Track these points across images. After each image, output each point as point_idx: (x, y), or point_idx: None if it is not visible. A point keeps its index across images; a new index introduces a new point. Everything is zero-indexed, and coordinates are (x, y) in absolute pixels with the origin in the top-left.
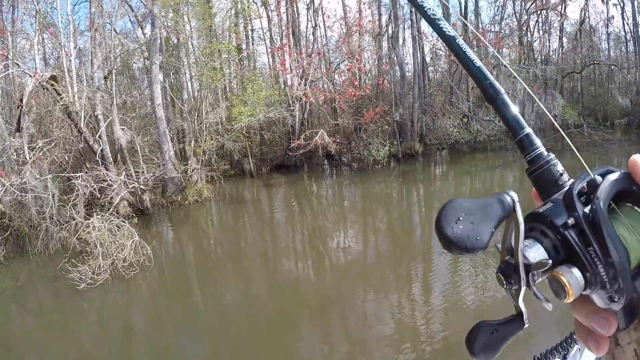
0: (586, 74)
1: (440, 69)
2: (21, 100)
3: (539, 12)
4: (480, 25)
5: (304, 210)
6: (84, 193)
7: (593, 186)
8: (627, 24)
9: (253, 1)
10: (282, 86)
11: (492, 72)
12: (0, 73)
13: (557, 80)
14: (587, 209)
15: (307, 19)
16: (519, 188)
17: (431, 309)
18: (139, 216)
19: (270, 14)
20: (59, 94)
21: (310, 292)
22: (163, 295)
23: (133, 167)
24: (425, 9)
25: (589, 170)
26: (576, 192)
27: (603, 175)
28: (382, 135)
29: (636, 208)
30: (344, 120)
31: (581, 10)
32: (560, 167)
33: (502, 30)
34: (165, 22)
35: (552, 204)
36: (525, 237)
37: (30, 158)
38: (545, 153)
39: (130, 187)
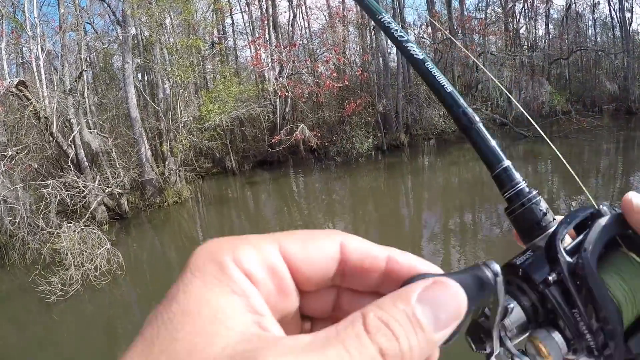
0: (573, 60)
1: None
2: None
3: None
4: (465, 12)
5: (287, 207)
6: (56, 200)
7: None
8: (614, 10)
9: None
10: (261, 80)
11: (478, 59)
12: None
13: (544, 66)
14: (572, 260)
15: (289, 10)
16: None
17: None
18: (118, 220)
19: (247, 7)
20: (28, 100)
21: None
22: (140, 301)
23: (109, 171)
24: (392, 31)
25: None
26: (559, 241)
27: (593, 218)
28: (366, 127)
29: (632, 255)
30: (326, 113)
31: None
32: (543, 206)
33: (488, 17)
34: (139, 19)
35: (532, 253)
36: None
37: (0, 167)
38: (527, 190)
39: (107, 191)
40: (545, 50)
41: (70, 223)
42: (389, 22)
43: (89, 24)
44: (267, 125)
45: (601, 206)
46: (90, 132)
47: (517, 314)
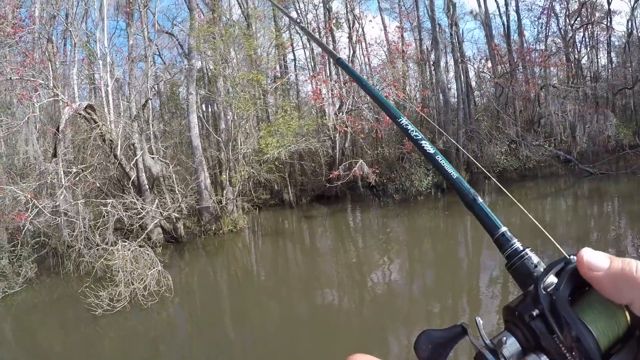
0: (638, 89)
1: (486, 93)
2: (58, 128)
3: (584, 27)
4: (524, 44)
5: (342, 242)
6: (113, 219)
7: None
8: None
9: (296, 32)
10: (321, 115)
11: (540, 92)
12: (37, 102)
13: (609, 97)
14: (548, 297)
15: (349, 46)
16: (572, 217)
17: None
18: (173, 243)
19: (308, 43)
20: (96, 122)
21: (349, 327)
22: (186, 325)
23: (168, 195)
24: (409, 131)
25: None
26: (541, 286)
27: (565, 265)
28: (426, 164)
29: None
30: (385, 149)
31: (628, 21)
32: (535, 259)
33: (548, 49)
34: (204, 53)
35: (523, 297)
36: (504, 329)
37: (64, 183)
38: (520, 248)
39: (164, 215)
40: (609, 80)
41: (125, 242)
42: (407, 124)
43: (158, 55)
44: (326, 160)
45: (571, 256)
46: (152, 157)
47: (513, 345)
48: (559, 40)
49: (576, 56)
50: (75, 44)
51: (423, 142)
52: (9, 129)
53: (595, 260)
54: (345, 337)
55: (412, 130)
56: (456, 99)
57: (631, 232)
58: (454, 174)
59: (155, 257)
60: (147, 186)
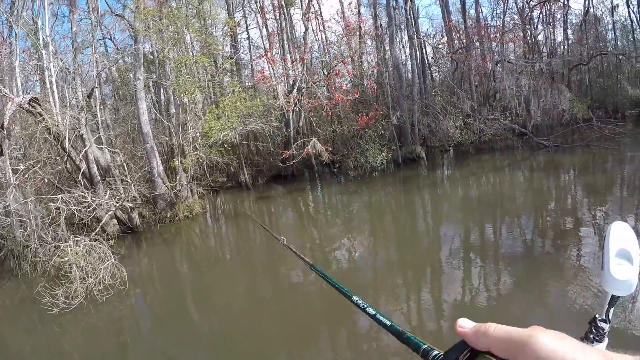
0: (593, 65)
1: (443, 69)
2: (2, 125)
3: (541, 4)
4: (481, 20)
5: (301, 221)
6: (64, 214)
7: None
8: (633, 12)
9: (250, 10)
10: (275, 95)
11: (495, 67)
12: None
13: (564, 73)
14: None
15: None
16: (528, 188)
17: (442, 316)
18: (130, 234)
19: (259, 21)
20: (41, 116)
21: (315, 305)
22: (146, 315)
23: (121, 185)
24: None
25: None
26: None
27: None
28: (381, 140)
29: (485, 354)
30: (339, 127)
31: (585, 0)
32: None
33: (506, 25)
34: (148, 36)
35: None
36: None
37: (13, 182)
38: (436, 352)
39: (117, 205)
40: (564, 57)
41: (78, 237)
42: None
43: (110, 39)
44: (281, 139)
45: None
46: (100, 148)
47: None
48: (517, 17)
49: (533, 33)
50: (15, 34)
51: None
52: None
53: (465, 322)
54: (311, 315)
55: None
56: (411, 75)
57: (587, 201)
58: (387, 322)
59: (107, 250)
60: (98, 177)
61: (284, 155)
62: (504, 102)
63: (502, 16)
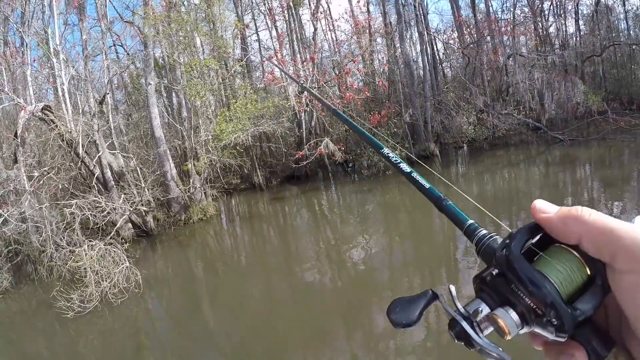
0: (607, 56)
1: (454, 65)
2: (16, 134)
3: None
4: (491, 14)
5: (316, 221)
6: (78, 219)
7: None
8: None
9: (259, 12)
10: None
11: (507, 61)
12: None
13: (577, 65)
14: (502, 254)
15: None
16: (544, 183)
17: None
18: (144, 237)
19: (268, 22)
20: (54, 123)
21: (332, 304)
22: (165, 316)
23: (135, 189)
24: (390, 157)
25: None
26: (499, 249)
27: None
28: (394, 138)
29: (562, 245)
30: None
31: None
32: (499, 240)
33: (517, 18)
34: (158, 41)
35: (487, 268)
36: (475, 298)
37: (28, 188)
38: (484, 233)
39: (132, 209)
40: (577, 48)
41: (93, 241)
42: (387, 153)
43: (121, 45)
44: (295, 140)
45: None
46: (113, 153)
47: (483, 308)
48: (527, 9)
49: (544, 25)
50: (26, 44)
51: (401, 164)
52: None
53: (546, 205)
54: (328, 315)
55: (393, 157)
56: (422, 72)
57: (604, 196)
58: (426, 184)
59: (122, 253)
60: (112, 182)
61: (296, 156)
62: (517, 96)
63: (512, 9)
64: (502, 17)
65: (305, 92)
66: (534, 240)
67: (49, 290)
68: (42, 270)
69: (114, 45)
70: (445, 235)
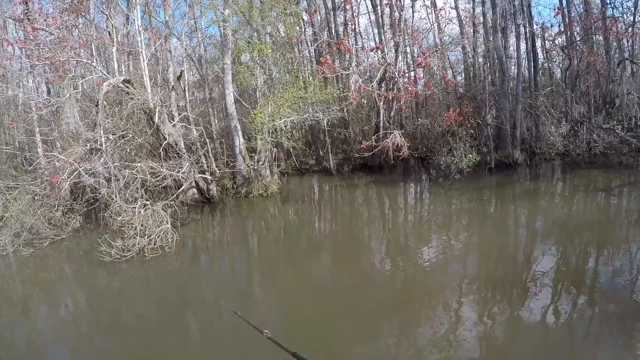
0: None
1: (554, 65)
2: (97, 103)
3: None
4: (611, 14)
5: (371, 215)
6: (138, 180)
7: None
8: None
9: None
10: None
11: (617, 66)
12: (76, 81)
13: None
14: None
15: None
16: (634, 221)
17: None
18: (206, 203)
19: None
20: (130, 95)
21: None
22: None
23: (205, 159)
24: None
25: None
26: None
27: None
28: (474, 140)
29: None
30: (427, 121)
31: None
32: None
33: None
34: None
35: None
36: None
37: (104, 148)
38: None
39: (196, 177)
40: None
41: (147, 202)
42: None
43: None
44: (370, 129)
45: None
46: (182, 125)
47: None
48: None
49: None
50: (112, 25)
51: None
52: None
53: None
54: (381, 305)
55: None
56: (516, 70)
57: None
58: None
59: (166, 216)
60: (184, 150)
61: (361, 146)
62: (626, 110)
63: (633, 9)
64: (617, 15)
65: (383, 83)
66: None
67: (103, 235)
68: (105, 219)
69: (195, 23)
70: (517, 253)
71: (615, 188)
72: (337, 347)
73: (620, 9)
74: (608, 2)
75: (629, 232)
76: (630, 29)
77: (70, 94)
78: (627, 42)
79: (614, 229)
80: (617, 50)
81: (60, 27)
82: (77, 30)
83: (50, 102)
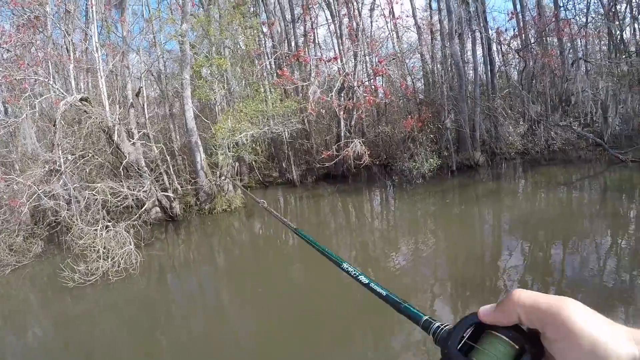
0: None
1: (509, 68)
2: (55, 123)
3: None
4: (564, 16)
5: (337, 224)
6: (99, 201)
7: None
8: None
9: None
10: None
11: (571, 67)
12: (29, 101)
13: None
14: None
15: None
16: (595, 211)
17: None
18: (170, 222)
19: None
20: (88, 113)
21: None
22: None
23: (166, 177)
24: (350, 272)
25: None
26: (445, 343)
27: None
28: (433, 144)
29: (491, 331)
30: (386, 128)
31: None
32: (448, 330)
33: (592, 21)
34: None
35: (441, 358)
36: None
37: (63, 169)
38: (438, 324)
39: (158, 195)
40: None
41: (109, 223)
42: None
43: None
44: (331, 139)
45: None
46: (143, 143)
47: None
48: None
49: (617, 28)
50: (70, 41)
51: (361, 277)
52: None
53: (486, 309)
54: (343, 313)
55: (353, 271)
56: (474, 74)
57: None
58: (383, 292)
59: (129, 237)
60: (145, 168)
61: (322, 156)
62: (581, 107)
63: (585, 11)
64: (569, 17)
65: (343, 92)
66: (468, 334)
67: (66, 259)
68: (67, 242)
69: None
70: (483, 252)
71: (575, 182)
72: (311, 356)
73: (573, 11)
74: (561, 5)
75: (592, 223)
76: (583, 30)
77: (26, 114)
78: (581, 42)
79: (577, 221)
80: (571, 51)
81: (17, 44)
82: (34, 47)
83: (7, 122)
